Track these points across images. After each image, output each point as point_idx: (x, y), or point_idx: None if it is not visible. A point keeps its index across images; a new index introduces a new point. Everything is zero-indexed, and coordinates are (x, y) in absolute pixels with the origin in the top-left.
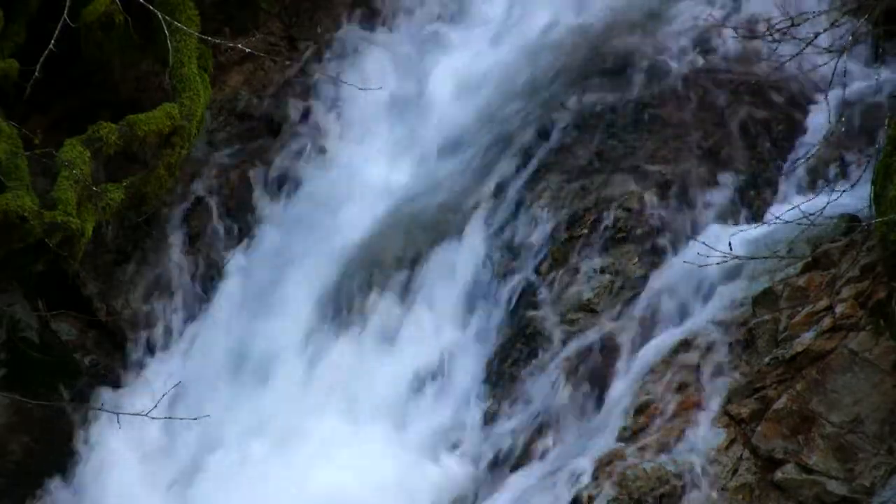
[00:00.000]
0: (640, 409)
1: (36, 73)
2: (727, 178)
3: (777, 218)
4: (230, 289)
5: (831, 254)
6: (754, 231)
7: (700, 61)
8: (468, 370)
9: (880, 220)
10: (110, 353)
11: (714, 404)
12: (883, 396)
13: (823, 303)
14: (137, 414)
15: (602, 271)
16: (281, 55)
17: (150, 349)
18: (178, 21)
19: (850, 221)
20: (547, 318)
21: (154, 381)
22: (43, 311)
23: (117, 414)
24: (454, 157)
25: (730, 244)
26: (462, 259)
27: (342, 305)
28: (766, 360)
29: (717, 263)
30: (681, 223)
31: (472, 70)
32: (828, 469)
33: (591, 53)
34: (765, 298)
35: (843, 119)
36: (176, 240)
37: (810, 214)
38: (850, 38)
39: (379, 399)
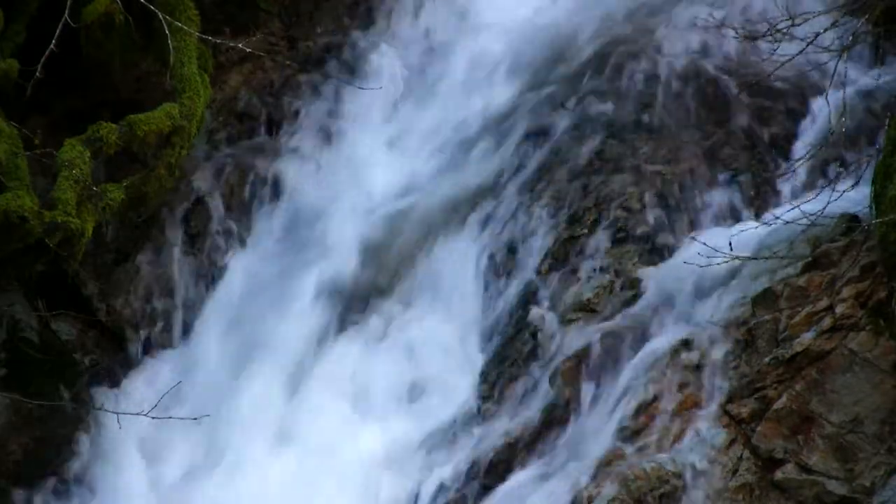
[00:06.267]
0: (640, 409)
1: (37, 73)
2: (727, 178)
3: (777, 218)
4: (230, 288)
5: (831, 254)
6: (754, 231)
7: (700, 61)
8: (468, 370)
9: (880, 220)
10: (110, 353)
11: (714, 404)
12: (883, 396)
13: (823, 303)
14: (137, 414)
15: (602, 271)
16: (281, 55)
17: (150, 349)
18: (178, 21)
19: (850, 221)
20: (547, 318)
21: (154, 381)
22: (43, 311)
23: (117, 414)
24: (454, 157)
25: (730, 244)
26: (463, 259)
27: (342, 305)
28: (766, 360)
29: (718, 263)
30: (681, 223)
31: (473, 70)
32: (828, 469)
33: (591, 53)
34: (765, 298)
35: (843, 119)
36: (176, 240)
37: (810, 214)
38: (850, 38)
39: (379, 398)
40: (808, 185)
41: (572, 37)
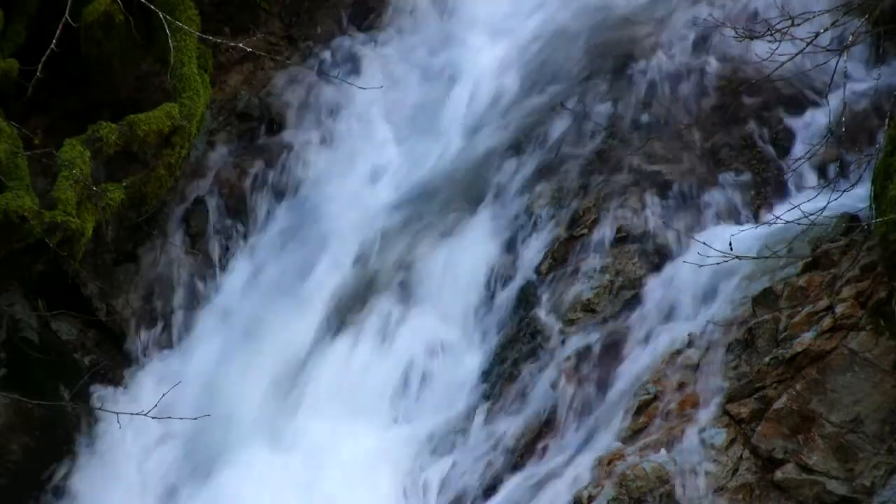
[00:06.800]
0: (640, 409)
1: (37, 74)
2: (727, 178)
3: (777, 218)
4: (230, 288)
5: (831, 254)
6: (754, 231)
7: (700, 61)
8: (468, 370)
9: (880, 219)
10: (110, 353)
11: (714, 404)
12: (883, 396)
13: (823, 303)
14: (137, 414)
15: (602, 271)
16: (281, 55)
17: (150, 349)
18: (178, 21)
19: (850, 221)
20: (547, 318)
21: (154, 381)
22: (43, 311)
23: (117, 414)
24: (454, 157)
25: (730, 244)
26: (462, 259)
27: (342, 305)
28: (766, 359)
29: (717, 263)
30: (681, 223)
31: (472, 70)
32: (828, 469)
33: (591, 53)
34: (765, 298)
35: (843, 119)
36: (176, 240)
37: (810, 214)
38: (850, 38)
39: (379, 399)
40: (808, 185)
41: (573, 36)
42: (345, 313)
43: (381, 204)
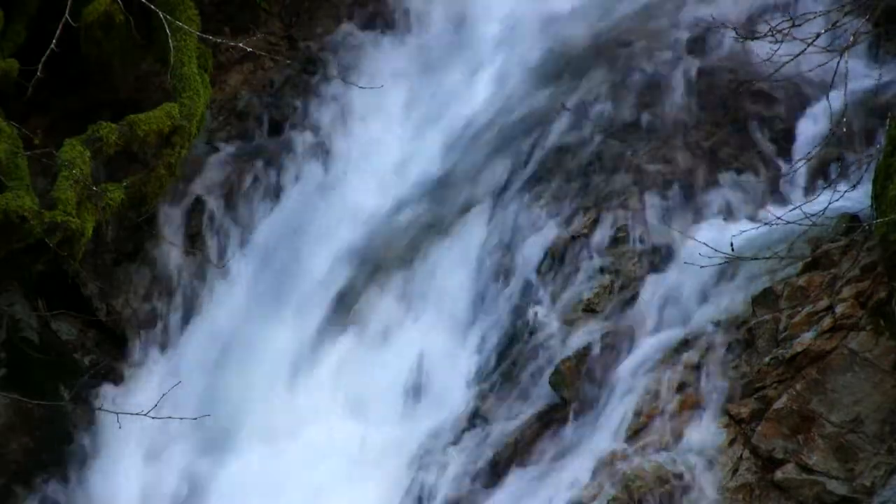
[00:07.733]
0: (640, 409)
1: (37, 73)
2: (727, 178)
3: (777, 218)
4: (230, 288)
5: (832, 254)
6: (754, 231)
7: (700, 61)
8: (468, 370)
9: (880, 220)
10: (110, 353)
11: (714, 404)
12: (883, 396)
13: (823, 303)
14: (137, 414)
15: (602, 271)
16: (281, 55)
17: (150, 349)
18: (178, 20)
19: (851, 221)
20: (547, 318)
21: (154, 381)
22: (43, 311)
23: (117, 414)
24: (454, 157)
25: (731, 244)
26: (462, 259)
27: (342, 305)
28: (766, 359)
29: (718, 263)
30: (681, 223)
31: (472, 70)
32: (828, 469)
33: (591, 53)
34: (765, 298)
35: (844, 119)
36: (176, 240)
37: (811, 214)
38: (851, 38)
39: (379, 399)
40: (809, 185)
41: (573, 36)
42: (345, 313)
43: (382, 203)
